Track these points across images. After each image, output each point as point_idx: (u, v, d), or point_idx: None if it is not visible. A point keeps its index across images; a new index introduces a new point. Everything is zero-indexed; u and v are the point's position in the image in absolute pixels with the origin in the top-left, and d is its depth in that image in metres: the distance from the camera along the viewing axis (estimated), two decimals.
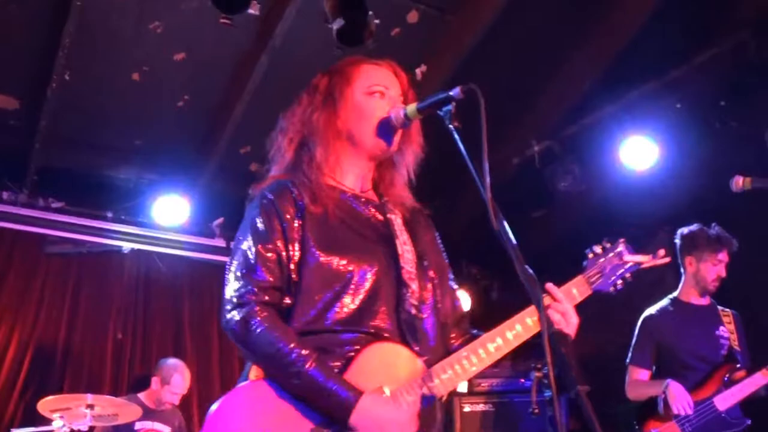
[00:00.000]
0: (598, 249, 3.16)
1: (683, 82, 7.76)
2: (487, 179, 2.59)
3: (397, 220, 3.14)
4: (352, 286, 2.87)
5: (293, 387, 2.72)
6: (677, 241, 6.13)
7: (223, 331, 8.05)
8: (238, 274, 2.86)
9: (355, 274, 2.88)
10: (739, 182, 4.92)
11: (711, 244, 5.96)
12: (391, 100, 3.11)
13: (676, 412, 5.52)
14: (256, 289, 2.81)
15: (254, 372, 2.86)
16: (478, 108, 2.63)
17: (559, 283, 3.02)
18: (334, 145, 3.09)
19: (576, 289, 3.06)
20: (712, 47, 7.50)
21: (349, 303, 2.85)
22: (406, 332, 2.91)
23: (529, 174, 8.73)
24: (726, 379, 5.68)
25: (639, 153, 8.20)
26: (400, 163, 3.23)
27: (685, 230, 6.14)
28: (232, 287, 2.86)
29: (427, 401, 2.84)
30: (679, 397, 5.53)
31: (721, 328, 5.96)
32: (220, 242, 8.78)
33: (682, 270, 6.11)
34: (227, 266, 2.95)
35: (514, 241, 2.57)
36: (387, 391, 2.78)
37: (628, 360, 6.05)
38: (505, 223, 2.58)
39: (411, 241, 3.11)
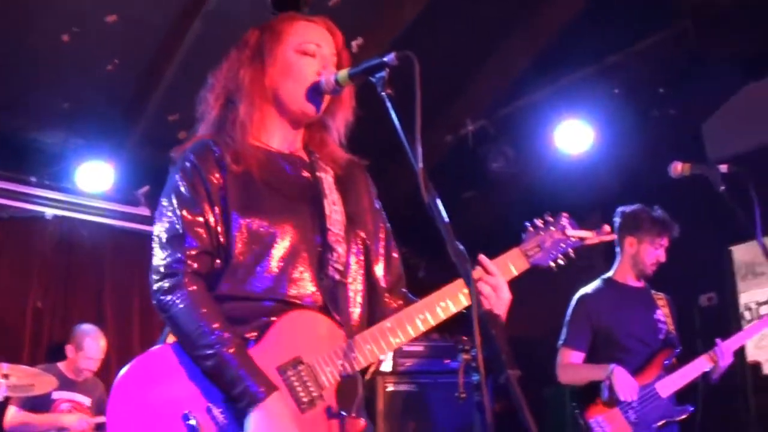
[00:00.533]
0: (538, 222, 3.06)
1: (622, 68, 7.79)
2: (419, 149, 2.47)
3: (327, 179, 3.02)
4: (273, 250, 2.76)
5: (205, 368, 2.60)
6: (617, 219, 6.00)
7: (144, 302, 7.94)
8: (165, 242, 2.74)
9: (277, 237, 2.78)
10: (677, 168, 4.88)
11: (655, 227, 5.85)
12: (323, 59, 2.96)
13: (622, 398, 5.39)
14: (184, 257, 2.70)
15: (171, 338, 2.75)
16: (413, 76, 2.51)
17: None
18: (259, 104, 2.95)
19: (512, 263, 2.95)
20: (653, 34, 7.50)
21: (270, 268, 2.75)
22: (328, 299, 2.81)
23: (462, 154, 8.67)
24: (666, 363, 5.60)
25: (574, 137, 8.19)
26: (331, 127, 3.10)
27: (627, 209, 6.01)
28: (159, 256, 2.74)
29: (345, 371, 2.72)
30: (625, 383, 5.39)
31: (658, 311, 5.87)
32: (145, 211, 8.58)
33: (618, 250, 6.00)
34: (153, 234, 2.82)
35: (444, 214, 2.46)
36: (304, 360, 2.67)
37: (560, 342, 5.86)
38: (436, 197, 2.47)
39: (342, 200, 3.00)
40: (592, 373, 5.58)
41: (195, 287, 2.67)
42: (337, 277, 2.87)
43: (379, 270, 3.07)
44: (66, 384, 7.44)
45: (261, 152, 2.93)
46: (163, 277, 2.70)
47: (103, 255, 8.67)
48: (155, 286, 2.71)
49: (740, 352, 8.78)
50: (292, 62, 2.95)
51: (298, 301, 2.76)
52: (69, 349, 7.60)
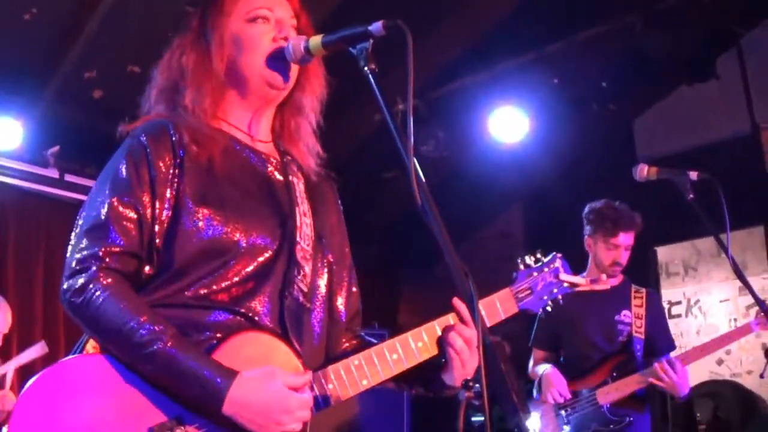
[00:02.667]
0: (530, 260, 2.77)
1: (563, 58, 7.63)
2: (411, 144, 2.18)
3: (299, 185, 2.66)
4: (234, 260, 2.37)
5: (147, 373, 2.21)
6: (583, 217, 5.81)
7: (49, 271, 7.50)
8: (85, 232, 2.35)
9: (241, 246, 2.39)
10: (643, 171, 4.67)
11: (605, 225, 5.63)
12: (279, 23, 2.61)
13: (549, 400, 5.42)
14: (101, 253, 2.30)
15: (92, 343, 2.36)
16: (399, 50, 2.21)
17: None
18: (209, 89, 2.58)
19: (501, 304, 2.66)
20: (597, 26, 7.36)
21: (227, 278, 2.36)
22: (289, 324, 2.43)
23: (390, 133, 8.43)
24: (614, 372, 5.46)
25: (508, 124, 8.03)
26: (303, 105, 2.72)
27: (590, 206, 5.79)
28: (74, 247, 2.35)
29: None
30: (552, 385, 5.42)
31: (624, 312, 5.67)
32: (54, 173, 8.14)
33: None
34: (77, 218, 2.42)
35: (440, 220, 2.12)
36: None
37: (531, 342, 5.97)
38: (432, 202, 2.13)
39: (311, 213, 2.64)
40: (536, 373, 5.69)
41: (111, 279, 2.29)
42: (301, 299, 2.51)
43: (340, 300, 2.71)
44: None
45: (225, 138, 2.57)
46: (74, 273, 2.31)
47: (6, 216, 8.20)
48: (65, 285, 2.32)
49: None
50: (244, 32, 2.61)
51: (255, 318, 2.38)
52: None
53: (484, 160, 8.51)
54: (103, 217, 2.34)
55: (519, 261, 2.80)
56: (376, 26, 2.29)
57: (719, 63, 8.18)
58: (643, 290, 5.78)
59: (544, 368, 5.56)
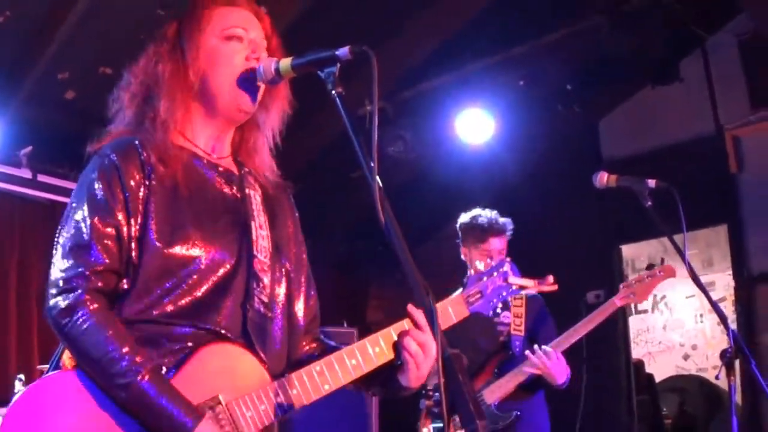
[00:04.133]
0: (480, 265, 2.91)
1: (529, 60, 7.72)
2: (376, 162, 2.30)
3: (256, 198, 2.76)
4: (195, 276, 2.48)
5: (119, 400, 2.31)
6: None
7: (22, 270, 7.52)
8: (68, 251, 2.44)
9: (201, 262, 2.50)
10: (603, 179, 4.74)
11: (474, 233, 5.63)
12: (252, 43, 2.70)
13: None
14: (87, 272, 2.40)
15: (68, 354, 2.45)
16: (365, 72, 2.29)
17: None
18: (182, 100, 2.66)
19: (452, 309, 2.80)
20: (563, 28, 7.45)
21: (189, 293, 2.47)
22: (252, 334, 2.54)
23: (357, 134, 8.50)
24: (497, 370, 5.51)
25: (475, 126, 8.13)
26: (265, 123, 2.82)
27: (460, 218, 5.82)
28: (59, 266, 2.43)
29: (268, 417, 2.48)
30: None
31: (504, 313, 5.67)
32: (27, 173, 8.14)
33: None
34: (56, 237, 2.51)
35: (400, 234, 2.22)
36: (222, 400, 2.41)
37: None
38: (393, 219, 2.25)
39: (269, 224, 2.75)
40: None
41: (97, 305, 2.38)
42: (262, 309, 2.62)
43: (299, 306, 2.81)
44: None
45: (186, 155, 2.66)
46: (61, 292, 2.40)
47: None
48: (51, 302, 2.40)
49: (625, 351, 8.95)
50: (217, 49, 2.69)
51: (222, 331, 2.49)
52: None
53: (451, 161, 8.59)
54: (86, 237, 2.43)
55: (469, 268, 2.92)
56: (343, 51, 2.38)
57: (685, 65, 8.31)
58: (523, 294, 5.85)
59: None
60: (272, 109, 2.82)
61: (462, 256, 5.73)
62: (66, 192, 8.33)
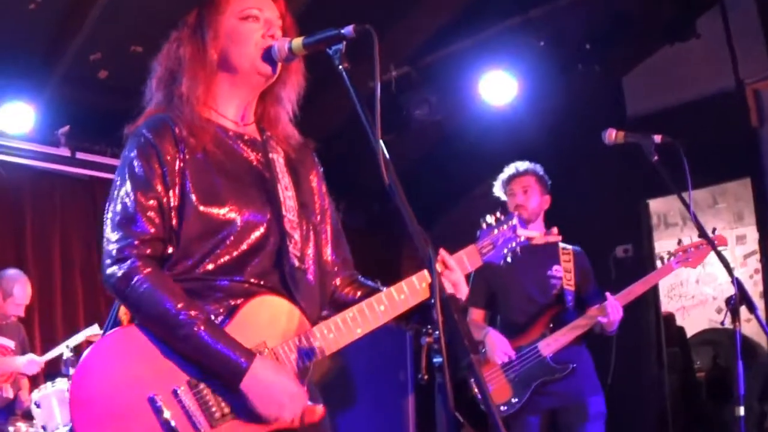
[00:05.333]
0: (490, 219, 3.14)
1: (548, 21, 7.84)
2: (379, 130, 2.49)
3: (279, 161, 3.01)
4: (232, 238, 2.75)
5: (181, 349, 2.61)
6: None
7: (65, 246, 7.80)
8: (117, 225, 2.70)
9: (236, 225, 2.76)
10: (611, 135, 4.89)
11: (504, 179, 6.12)
12: (267, 22, 2.94)
13: (497, 360, 5.61)
14: (137, 242, 2.67)
15: (123, 310, 2.74)
16: (368, 49, 2.52)
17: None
18: (203, 77, 2.91)
19: (467, 259, 3.03)
20: None
21: (228, 253, 2.74)
22: (291, 285, 2.81)
23: (384, 99, 8.65)
24: (551, 323, 5.73)
25: (498, 88, 8.28)
26: (283, 96, 3.08)
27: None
28: (110, 239, 2.70)
29: (308, 359, 2.77)
30: (496, 346, 5.62)
31: (555, 267, 5.96)
32: (65, 151, 8.42)
33: None
34: (105, 214, 2.77)
35: (403, 197, 2.47)
36: (268, 345, 2.70)
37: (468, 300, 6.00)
38: (396, 179, 2.47)
39: (293, 184, 3.00)
40: (475, 334, 5.79)
41: (149, 269, 2.65)
42: (297, 263, 2.87)
43: (327, 252, 3.09)
44: None
45: (213, 127, 2.90)
46: (115, 262, 2.66)
47: (22, 196, 8.50)
48: (108, 271, 2.67)
49: (654, 304, 9.06)
50: (237, 28, 2.93)
51: (262, 283, 2.77)
52: None
53: (476, 123, 8.74)
54: (131, 210, 2.69)
55: (482, 220, 3.14)
56: (348, 30, 2.61)
57: (704, 21, 8.38)
58: (570, 248, 6.05)
59: (484, 331, 5.73)
60: (289, 83, 3.06)
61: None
62: (104, 167, 8.64)
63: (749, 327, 10.41)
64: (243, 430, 2.65)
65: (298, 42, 2.80)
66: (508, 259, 3.14)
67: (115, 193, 2.76)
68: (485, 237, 3.11)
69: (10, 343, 7.45)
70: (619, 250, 8.90)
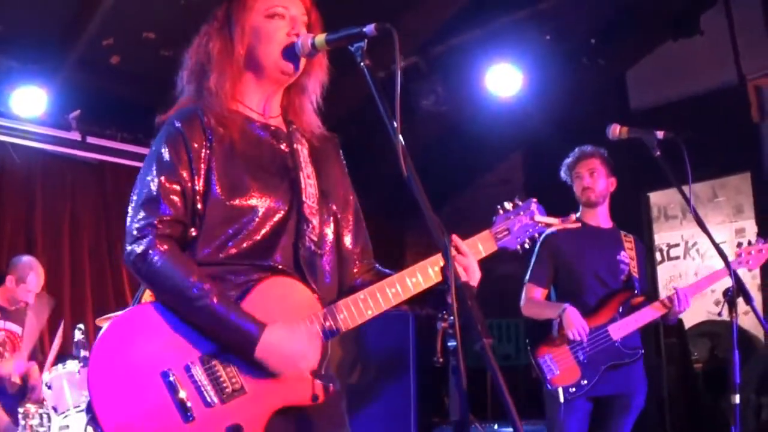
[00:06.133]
0: (508, 205, 3.20)
1: (555, 15, 7.92)
2: (398, 123, 2.59)
3: (303, 151, 3.12)
4: (253, 224, 2.86)
5: (196, 322, 2.73)
6: None
7: (74, 228, 7.87)
8: (139, 205, 2.82)
9: (257, 211, 2.87)
10: (615, 130, 4.96)
11: (570, 163, 6.12)
12: (293, 20, 3.04)
13: (571, 337, 5.54)
14: (156, 222, 2.78)
15: (148, 295, 2.89)
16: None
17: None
18: (230, 73, 3.02)
19: (482, 244, 3.10)
20: None
21: (249, 238, 2.85)
22: (305, 268, 2.92)
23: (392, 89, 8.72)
24: (621, 307, 5.72)
25: (504, 79, 8.38)
26: (307, 88, 3.18)
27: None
28: (132, 219, 2.82)
29: (324, 339, 2.87)
30: (575, 323, 5.53)
31: (622, 253, 5.98)
32: (76, 135, 8.51)
33: None
34: (131, 196, 2.89)
35: (420, 187, 2.56)
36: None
37: (526, 278, 6.03)
38: (414, 171, 2.57)
39: (315, 173, 3.10)
40: (548, 311, 5.81)
41: (166, 246, 2.76)
42: (313, 247, 2.98)
43: (348, 241, 3.18)
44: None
45: (241, 118, 3.01)
46: (135, 240, 2.78)
47: (33, 180, 8.59)
48: (128, 249, 2.79)
49: (654, 296, 9.15)
50: (262, 26, 3.03)
51: (278, 266, 2.87)
52: (9, 280, 7.49)
53: (482, 114, 8.83)
54: (154, 193, 2.81)
55: (498, 207, 3.22)
56: (369, 28, 2.71)
57: (708, 16, 8.48)
58: (631, 236, 6.12)
59: (562, 307, 5.64)
60: (313, 75, 3.16)
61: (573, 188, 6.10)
62: (114, 152, 8.74)
63: (747, 319, 10.51)
64: (253, 406, 2.75)
65: (321, 38, 2.90)
66: (526, 245, 3.18)
67: (141, 177, 2.89)
68: (501, 222, 3.17)
69: (18, 329, 7.50)
70: None
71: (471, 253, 2.98)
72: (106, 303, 8.57)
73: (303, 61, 3.05)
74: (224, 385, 2.72)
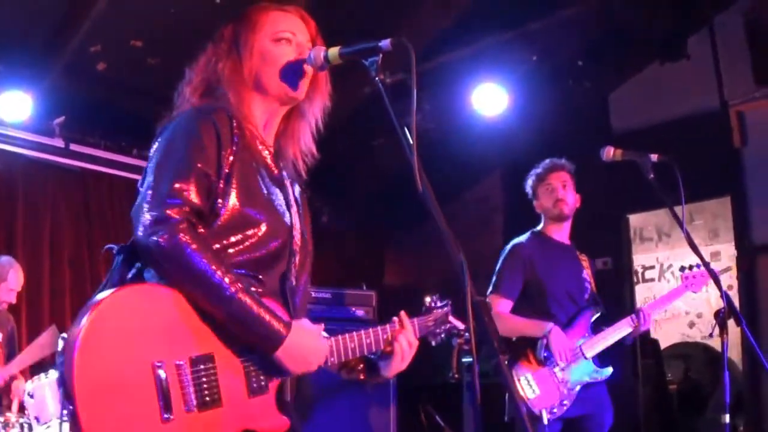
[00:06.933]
0: (428, 300, 3.36)
1: (542, 36, 7.98)
2: (414, 140, 2.66)
3: (294, 186, 3.17)
4: (256, 239, 2.86)
5: (222, 312, 2.68)
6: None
7: (55, 235, 7.79)
8: (171, 181, 2.74)
9: (263, 228, 2.87)
10: (609, 153, 5.02)
11: (541, 173, 6.05)
12: (299, 46, 3.08)
13: (558, 359, 5.49)
14: (186, 207, 2.71)
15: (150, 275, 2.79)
16: (405, 61, 2.71)
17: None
18: (242, 92, 3.04)
19: (412, 328, 3.23)
20: (576, 5, 7.71)
21: (248, 252, 2.84)
22: (288, 298, 2.95)
23: (378, 105, 8.74)
24: (591, 324, 5.74)
25: (489, 99, 8.45)
26: (308, 112, 3.21)
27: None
28: (160, 193, 2.73)
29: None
30: (561, 344, 5.49)
31: (585, 271, 6.02)
32: (59, 142, 8.46)
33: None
34: (154, 168, 2.82)
35: (436, 203, 2.61)
36: None
37: (490, 289, 5.89)
38: (430, 188, 2.61)
39: (298, 214, 3.12)
40: (528, 330, 5.68)
41: (195, 233, 2.70)
42: (293, 281, 3.01)
43: (305, 280, 3.19)
44: None
45: (256, 139, 3.03)
46: (161, 221, 2.67)
47: (15, 185, 8.50)
48: (150, 229, 2.67)
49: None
50: (269, 50, 3.05)
51: (269, 286, 2.90)
52: None
53: (467, 132, 8.88)
54: (187, 176, 2.75)
55: (425, 299, 3.38)
56: (385, 43, 2.77)
57: (692, 42, 8.55)
58: (584, 255, 6.14)
59: (547, 327, 5.54)
60: (315, 100, 3.19)
61: (535, 201, 6.07)
62: (97, 160, 8.73)
63: (719, 341, 10.64)
64: (225, 420, 2.71)
65: (334, 52, 2.93)
66: (439, 340, 3.38)
67: (173, 155, 2.81)
68: (426, 315, 3.35)
69: None
70: (599, 262, 9.05)
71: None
72: None
73: (305, 84, 3.09)
74: (205, 392, 2.67)
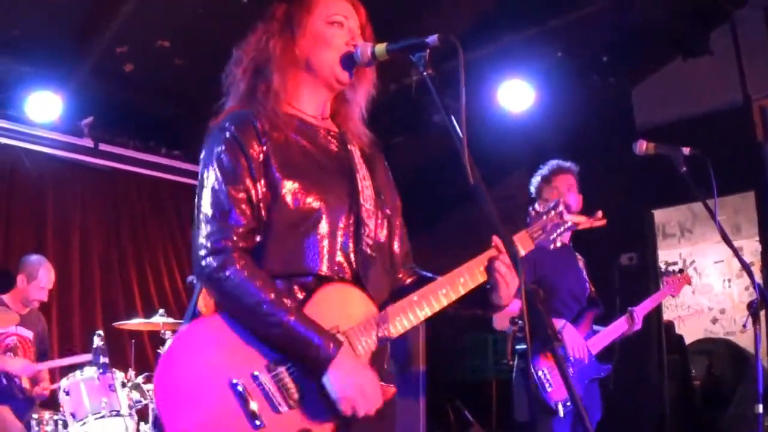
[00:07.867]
0: (539, 207, 3.29)
1: (566, 32, 8.00)
2: (464, 134, 2.71)
3: (356, 152, 3.14)
4: (314, 226, 2.87)
5: (272, 335, 2.73)
6: None
7: (84, 234, 7.85)
8: (211, 217, 2.81)
9: (322, 213, 2.88)
10: (642, 146, 5.00)
11: (546, 175, 6.12)
12: (351, 30, 3.09)
13: (572, 355, 5.49)
14: (232, 235, 2.78)
15: (202, 301, 2.88)
16: (452, 58, 2.74)
17: None
18: (291, 72, 3.05)
19: (520, 244, 3.16)
20: (600, 1, 7.74)
21: (311, 243, 2.85)
22: (361, 273, 2.94)
23: (404, 103, 8.80)
24: (592, 324, 5.80)
25: (515, 96, 8.48)
26: (353, 99, 3.22)
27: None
28: (205, 231, 2.80)
29: (380, 342, 2.90)
30: (576, 341, 5.53)
31: (583, 271, 6.08)
32: (88, 142, 8.56)
33: None
34: (196, 208, 2.88)
35: (488, 197, 2.62)
36: (341, 329, 2.82)
37: None
38: (482, 182, 2.64)
39: (369, 175, 3.13)
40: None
41: (244, 261, 2.74)
42: (369, 251, 2.99)
43: (396, 246, 3.23)
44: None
45: (296, 120, 3.04)
46: (211, 253, 2.75)
47: (45, 185, 8.59)
48: (203, 263, 2.77)
49: (656, 311, 9.24)
50: (323, 32, 3.06)
51: (336, 269, 2.88)
52: (20, 279, 7.49)
53: (493, 129, 8.88)
54: (225, 205, 2.80)
55: (531, 209, 3.31)
56: (432, 39, 2.81)
57: (714, 37, 8.54)
58: (579, 255, 6.19)
59: (560, 324, 5.52)
60: (359, 88, 3.21)
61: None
62: (125, 160, 8.79)
63: (743, 337, 10.62)
64: (320, 413, 2.76)
65: (381, 47, 2.96)
66: (557, 242, 3.26)
67: (206, 186, 2.87)
68: (534, 222, 3.25)
69: (29, 334, 7.48)
70: (624, 258, 9.08)
71: (518, 277, 2.93)
72: (116, 312, 8.56)
73: (355, 72, 3.10)
74: (291, 391, 2.73)
